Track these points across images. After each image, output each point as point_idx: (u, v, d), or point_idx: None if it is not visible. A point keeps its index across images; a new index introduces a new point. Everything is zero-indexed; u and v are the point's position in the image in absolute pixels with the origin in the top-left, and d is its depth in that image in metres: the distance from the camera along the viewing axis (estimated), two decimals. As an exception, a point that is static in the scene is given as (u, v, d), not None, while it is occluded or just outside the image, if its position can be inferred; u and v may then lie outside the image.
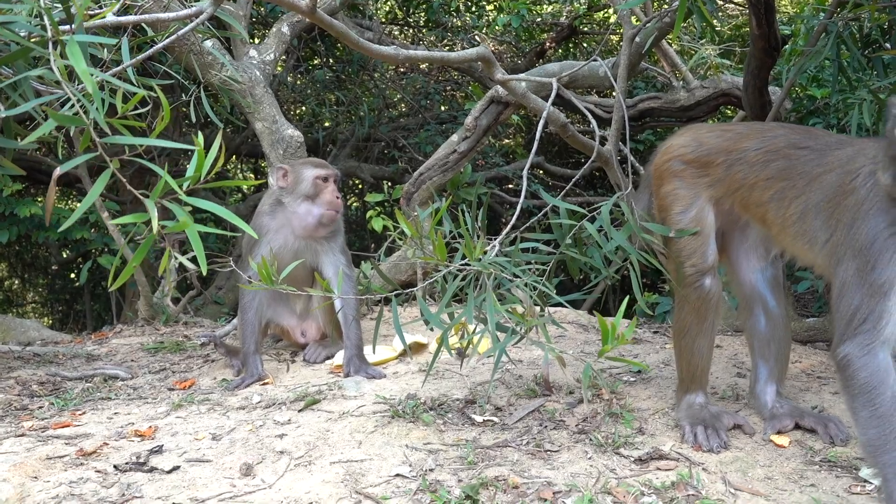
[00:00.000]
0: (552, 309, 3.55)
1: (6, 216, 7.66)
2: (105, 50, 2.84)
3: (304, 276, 3.92)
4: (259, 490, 2.50)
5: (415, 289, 3.13)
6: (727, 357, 3.81)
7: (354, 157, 9.99)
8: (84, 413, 3.35)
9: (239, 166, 11.60)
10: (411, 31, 10.71)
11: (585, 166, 3.80)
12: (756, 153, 2.75)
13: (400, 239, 3.14)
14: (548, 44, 9.74)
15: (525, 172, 3.43)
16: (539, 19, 10.07)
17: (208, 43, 4.98)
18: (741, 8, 8.66)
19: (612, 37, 9.54)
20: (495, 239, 2.88)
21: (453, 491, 2.44)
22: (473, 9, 9.86)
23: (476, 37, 9.81)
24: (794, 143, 2.70)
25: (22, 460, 2.72)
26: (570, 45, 10.26)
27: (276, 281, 2.65)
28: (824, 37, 3.95)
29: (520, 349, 3.82)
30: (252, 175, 11.18)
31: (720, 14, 8.47)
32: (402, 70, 10.19)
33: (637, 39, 4.82)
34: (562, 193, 3.66)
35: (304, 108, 9.87)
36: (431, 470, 2.59)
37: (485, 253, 2.74)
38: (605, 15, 10.17)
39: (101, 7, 2.90)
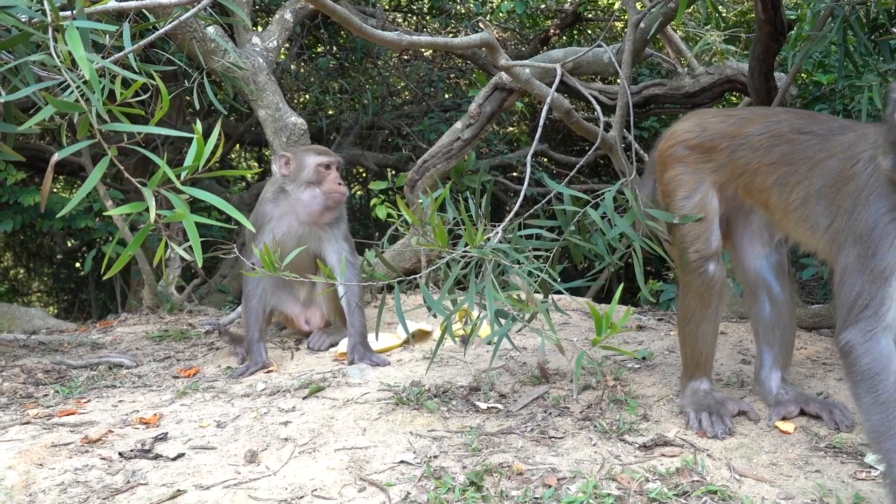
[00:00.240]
0: (557, 296, 3.54)
1: (10, 205, 7.65)
2: (107, 36, 2.83)
3: (308, 263, 3.92)
4: (264, 477, 2.51)
5: (418, 276, 3.12)
6: (732, 343, 3.80)
7: (358, 145, 9.97)
8: (89, 401, 3.36)
9: (243, 154, 11.59)
10: (415, 17, 10.66)
11: (589, 153, 3.78)
12: (759, 138, 2.73)
13: (403, 227, 3.13)
14: (552, 30, 9.68)
15: (529, 160, 3.41)
16: (543, 6, 10.02)
17: (211, 29, 4.96)
18: (746, -7, 8.60)
19: (617, 23, 9.47)
20: (499, 226, 2.87)
21: (458, 477, 2.44)
22: (477, -5, 9.82)
23: (480, 23, 9.76)
24: (798, 127, 2.68)
25: (27, 448, 2.73)
26: (575, 31, 10.20)
27: (279, 268, 2.65)
28: (830, 21, 3.90)
29: (524, 336, 3.81)
30: (255, 164, 11.16)
31: (725, -1, 8.40)
32: (405, 58, 10.14)
33: (642, 25, 4.77)
34: (566, 180, 3.63)
35: (307, 95, 9.83)
36: (436, 457, 2.60)
37: (487, 240, 2.73)
38: (610, 1, 10.11)
39: (102, -7, 2.88)
